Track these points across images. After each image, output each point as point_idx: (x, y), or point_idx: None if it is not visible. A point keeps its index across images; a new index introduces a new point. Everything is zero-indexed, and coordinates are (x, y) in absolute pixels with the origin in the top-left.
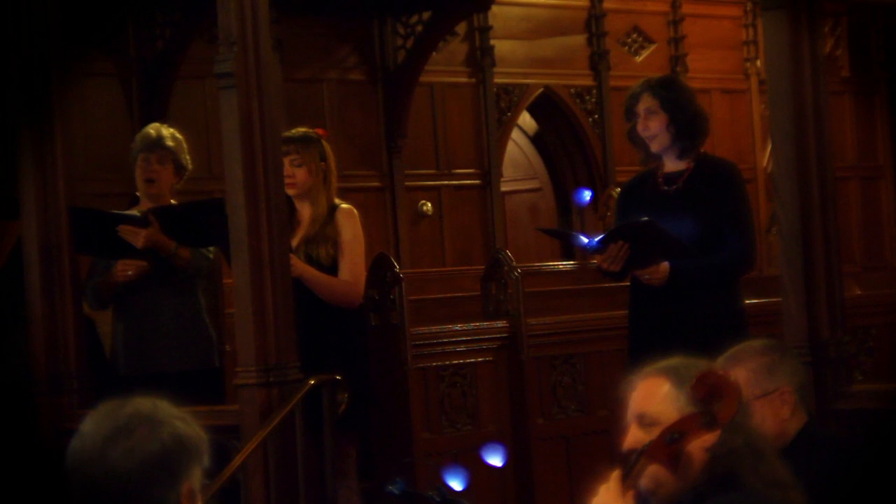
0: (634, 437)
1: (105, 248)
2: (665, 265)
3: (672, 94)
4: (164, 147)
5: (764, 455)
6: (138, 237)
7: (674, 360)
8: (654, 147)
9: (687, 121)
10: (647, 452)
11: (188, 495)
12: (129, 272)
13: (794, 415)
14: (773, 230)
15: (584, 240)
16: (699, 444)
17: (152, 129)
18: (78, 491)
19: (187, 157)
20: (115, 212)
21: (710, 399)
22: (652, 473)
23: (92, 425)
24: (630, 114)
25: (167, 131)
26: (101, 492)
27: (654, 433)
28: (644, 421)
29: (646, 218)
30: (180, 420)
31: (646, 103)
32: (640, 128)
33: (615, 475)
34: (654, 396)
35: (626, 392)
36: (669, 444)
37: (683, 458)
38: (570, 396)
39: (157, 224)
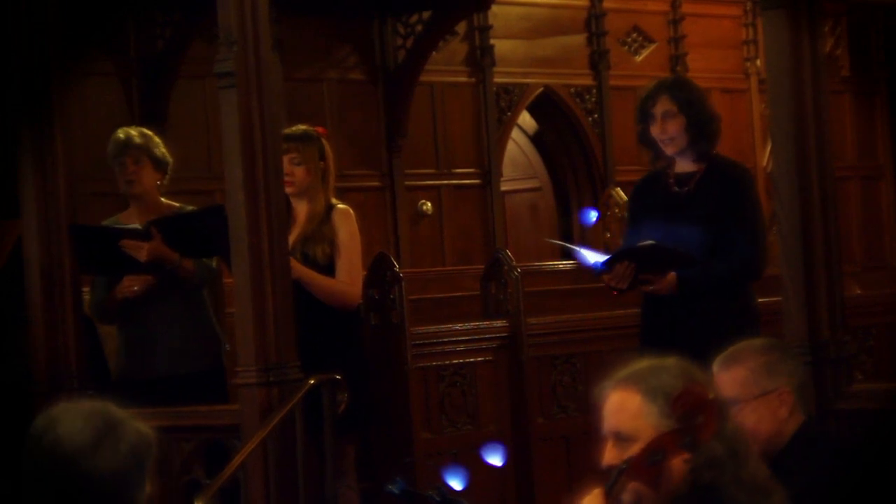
0: (612, 454)
1: (108, 265)
2: (672, 275)
3: (689, 95)
4: (134, 146)
5: (745, 461)
6: (142, 251)
7: (642, 366)
8: (670, 150)
9: (703, 123)
10: (628, 471)
11: (148, 499)
12: (136, 288)
13: (792, 415)
14: (773, 230)
15: (590, 260)
16: (679, 456)
17: (121, 132)
18: (53, 494)
19: (163, 151)
20: (117, 226)
21: (689, 417)
22: (634, 489)
23: (64, 431)
24: (644, 115)
25: (135, 131)
26: (79, 494)
27: (631, 449)
28: (620, 437)
29: (651, 242)
30: (133, 419)
31: (664, 106)
32: (656, 131)
33: (597, 492)
34: (626, 412)
35: (599, 401)
36: (651, 464)
37: (664, 473)
38: (569, 396)
39: (159, 236)
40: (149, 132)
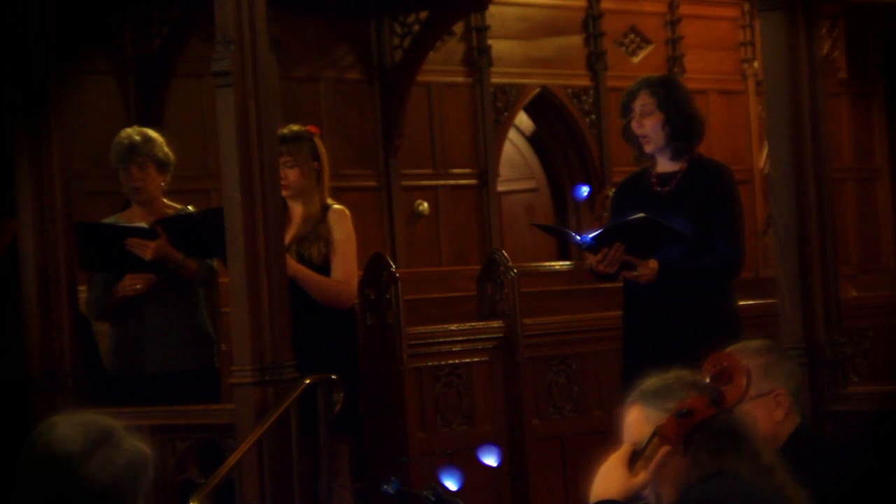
0: None
1: (112, 263)
2: (654, 263)
3: (670, 93)
4: (138, 153)
5: (746, 440)
6: (147, 250)
7: (645, 383)
8: (648, 148)
9: (682, 122)
10: (659, 432)
11: None
12: (138, 286)
13: (788, 417)
14: (769, 232)
15: (578, 237)
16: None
17: (123, 137)
18: (44, 499)
19: (166, 151)
20: (123, 225)
21: (719, 379)
22: (664, 454)
23: (60, 437)
24: (626, 110)
25: (138, 135)
26: (70, 501)
27: None
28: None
29: (641, 214)
30: (132, 434)
31: (642, 101)
32: (634, 125)
33: (627, 446)
34: (633, 425)
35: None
36: (679, 418)
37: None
38: (565, 397)
39: (164, 235)
40: (152, 134)
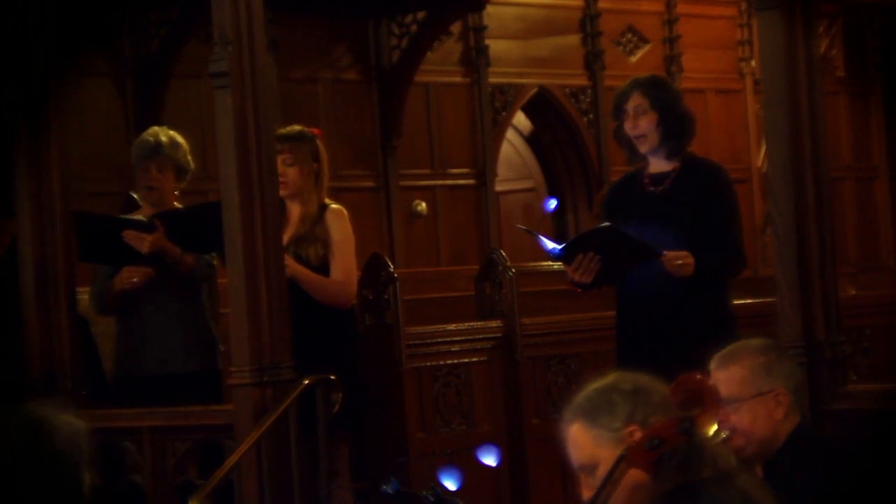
0: (586, 487)
1: (110, 255)
2: (690, 259)
3: (661, 93)
4: (162, 154)
5: (703, 449)
6: (144, 242)
7: (579, 396)
8: (643, 147)
9: (675, 121)
10: (627, 458)
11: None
12: (135, 279)
13: (788, 416)
14: (767, 230)
15: (549, 245)
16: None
17: (150, 135)
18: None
19: (188, 159)
20: (121, 217)
21: (688, 405)
22: (632, 478)
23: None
24: (619, 112)
25: (165, 137)
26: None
27: (598, 473)
28: (585, 469)
29: (607, 223)
30: (62, 415)
31: (635, 101)
32: (628, 126)
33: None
34: (577, 445)
35: (562, 442)
36: (649, 450)
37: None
38: (564, 396)
39: (162, 229)
40: (179, 139)
